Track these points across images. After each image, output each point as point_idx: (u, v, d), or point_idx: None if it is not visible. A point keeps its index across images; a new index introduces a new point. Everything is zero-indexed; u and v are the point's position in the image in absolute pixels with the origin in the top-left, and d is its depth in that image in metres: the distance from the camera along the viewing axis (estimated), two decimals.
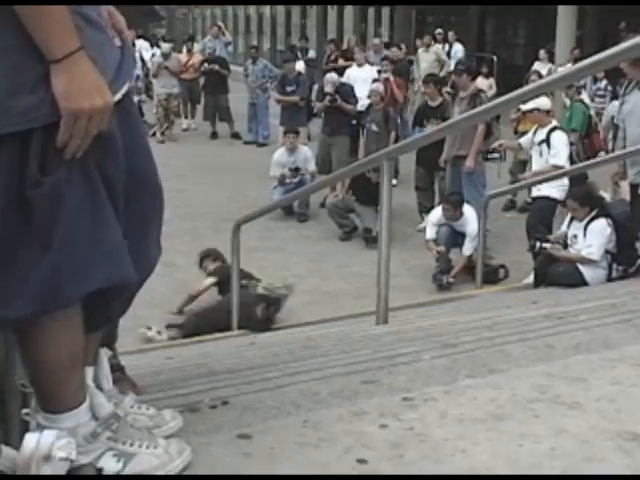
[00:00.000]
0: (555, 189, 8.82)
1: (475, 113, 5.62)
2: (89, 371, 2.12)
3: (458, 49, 19.85)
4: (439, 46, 18.59)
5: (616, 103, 11.83)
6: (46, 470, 1.63)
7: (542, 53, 16.28)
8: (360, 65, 14.94)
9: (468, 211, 9.30)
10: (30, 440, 1.66)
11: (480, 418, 2.40)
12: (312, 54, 22.48)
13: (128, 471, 2.02)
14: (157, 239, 2.21)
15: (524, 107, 9.42)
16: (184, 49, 19.35)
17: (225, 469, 2.12)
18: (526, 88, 4.25)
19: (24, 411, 1.99)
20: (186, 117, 19.43)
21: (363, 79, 13.84)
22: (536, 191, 9.12)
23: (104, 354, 2.19)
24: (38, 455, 1.64)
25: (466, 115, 6.47)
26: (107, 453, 2.01)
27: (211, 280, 8.59)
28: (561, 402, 2.50)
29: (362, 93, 13.05)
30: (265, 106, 17.29)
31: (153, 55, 20.28)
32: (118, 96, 1.91)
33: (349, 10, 30.31)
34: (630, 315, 3.47)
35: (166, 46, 18.69)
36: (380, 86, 12.42)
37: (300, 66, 17.07)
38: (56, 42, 1.75)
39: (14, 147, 1.77)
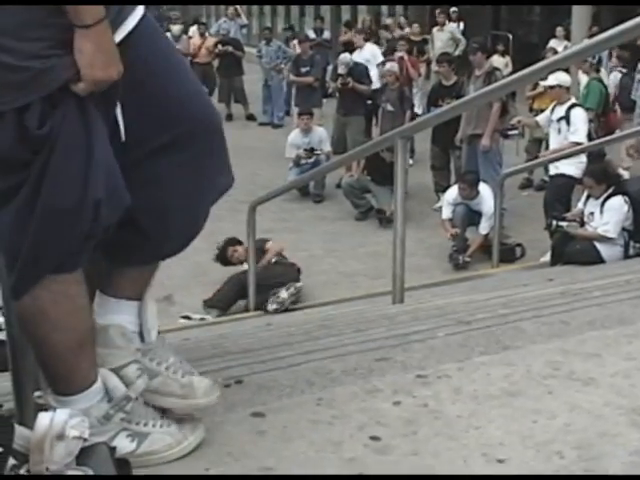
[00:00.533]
0: (573, 166, 8.79)
1: (489, 90, 5.57)
2: (133, 309, 2.11)
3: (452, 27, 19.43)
4: (454, 25, 18.47)
5: (617, 75, 11.78)
6: (59, 448, 1.63)
7: (559, 30, 16.17)
8: (361, 48, 14.70)
9: (484, 190, 9.28)
10: (43, 419, 1.66)
11: (494, 394, 2.40)
12: (327, 35, 22.37)
13: (142, 450, 2.03)
14: (222, 168, 2.15)
15: (546, 83, 9.37)
16: (196, 33, 19.27)
17: (239, 447, 2.12)
18: (541, 64, 4.19)
19: (36, 394, 2.00)
20: None
21: (365, 60, 13.72)
22: (554, 169, 9.09)
23: (151, 302, 2.14)
24: (52, 434, 1.64)
25: (480, 92, 6.43)
26: (121, 433, 2.02)
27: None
28: (575, 378, 2.49)
29: None
30: (279, 87, 17.23)
31: None
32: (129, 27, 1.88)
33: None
34: None
35: (176, 28, 18.66)
36: (395, 65, 12.38)
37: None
38: (87, 8, 1.73)
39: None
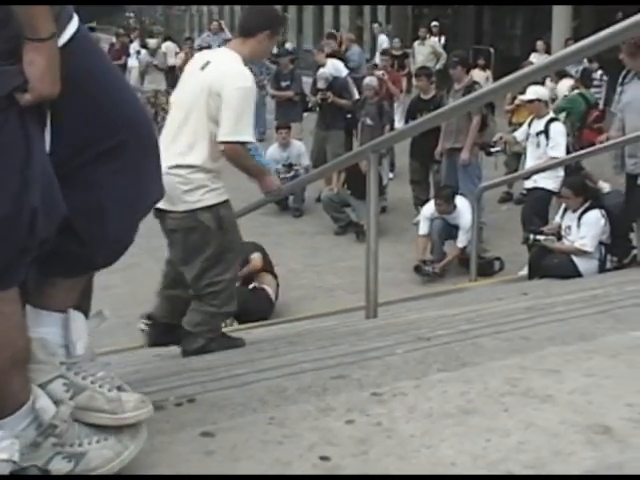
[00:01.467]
0: (551, 180, 8.79)
1: (464, 102, 5.58)
2: (59, 319, 2.05)
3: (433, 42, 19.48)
4: (435, 39, 18.53)
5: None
6: None
7: (539, 44, 16.24)
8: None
9: (461, 203, 9.29)
10: None
11: (449, 413, 2.35)
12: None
13: (80, 468, 1.97)
14: (155, 178, 2.16)
15: (525, 97, 9.37)
16: (171, 48, 19.28)
17: (186, 468, 2.08)
18: (515, 75, 4.15)
19: None
20: None
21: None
22: (531, 182, 9.08)
23: (78, 314, 2.09)
24: None
25: (454, 104, 6.42)
26: (56, 457, 1.94)
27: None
28: (533, 395, 2.45)
29: None
30: (262, 103, 17.02)
31: (138, 52, 20.09)
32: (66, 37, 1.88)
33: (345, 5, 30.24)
34: (609, 305, 3.43)
35: (153, 42, 18.65)
36: (374, 80, 12.38)
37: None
38: (44, 22, 1.73)
39: None
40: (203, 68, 4.67)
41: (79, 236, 2.01)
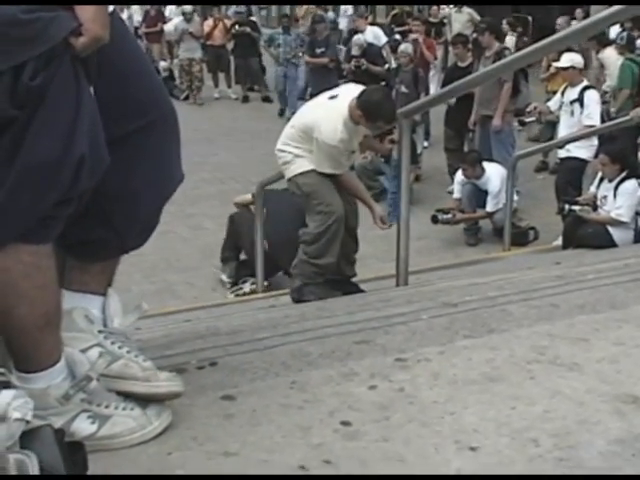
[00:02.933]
0: (584, 149, 8.68)
1: (496, 67, 5.47)
2: (98, 301, 2.12)
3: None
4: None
5: None
6: (1, 430, 1.58)
7: (578, 12, 15.98)
8: (362, 31, 14.10)
9: (490, 169, 9.22)
10: None
11: (474, 379, 2.32)
12: (331, 15, 22.17)
13: (103, 433, 1.98)
14: (177, 161, 2.19)
15: (559, 64, 9.22)
16: (211, 15, 19.12)
17: (204, 431, 2.06)
18: (550, 38, 4.05)
19: None
20: (216, 85, 19.09)
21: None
22: (565, 152, 8.96)
23: (114, 295, 2.15)
24: None
25: (486, 70, 6.33)
26: (81, 415, 1.97)
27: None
28: (560, 363, 2.41)
29: None
30: (295, 78, 16.09)
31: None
32: None
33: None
34: None
35: (187, 8, 18.39)
36: (409, 47, 12.24)
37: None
38: None
39: None
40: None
41: (109, 220, 2.06)
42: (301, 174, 5.65)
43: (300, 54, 15.89)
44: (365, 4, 26.02)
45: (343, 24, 21.44)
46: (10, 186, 1.74)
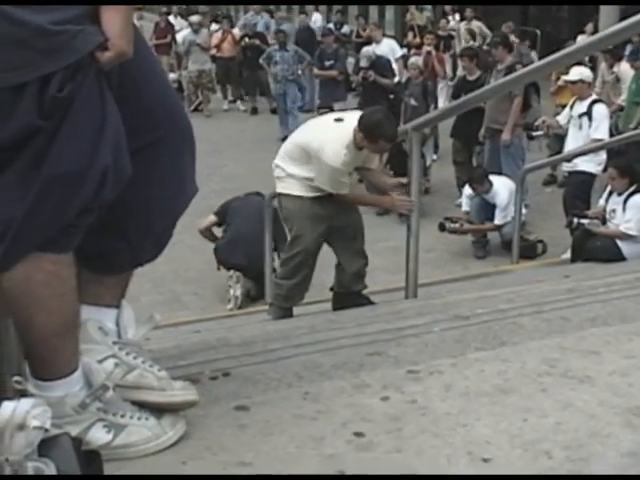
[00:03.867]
0: (592, 163, 8.67)
1: (507, 81, 5.48)
2: (112, 314, 2.13)
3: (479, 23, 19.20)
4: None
5: None
6: (19, 438, 1.59)
7: (589, 27, 16.02)
8: (378, 42, 14.31)
9: (497, 182, 9.23)
10: (6, 408, 1.62)
11: (486, 391, 2.33)
12: (346, 29, 22.22)
13: (118, 442, 1.99)
14: (191, 175, 2.20)
15: (569, 77, 9.23)
16: (219, 27, 19.10)
17: (218, 441, 2.07)
18: (560, 52, 4.05)
19: (15, 379, 1.96)
20: (225, 97, 19.09)
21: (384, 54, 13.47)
22: (571, 166, 8.96)
23: (127, 307, 2.17)
24: (13, 423, 1.60)
25: (497, 83, 6.34)
26: (97, 424, 1.99)
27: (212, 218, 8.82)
28: (571, 376, 2.42)
29: None
30: (294, 98, 15.43)
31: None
32: None
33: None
34: None
35: (195, 19, 18.22)
36: (419, 59, 12.28)
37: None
38: None
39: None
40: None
41: (124, 233, 2.07)
42: (286, 196, 5.75)
43: (300, 71, 15.66)
44: (367, 4, 26.09)
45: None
46: (35, 195, 1.77)
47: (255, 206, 8.33)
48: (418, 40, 16.76)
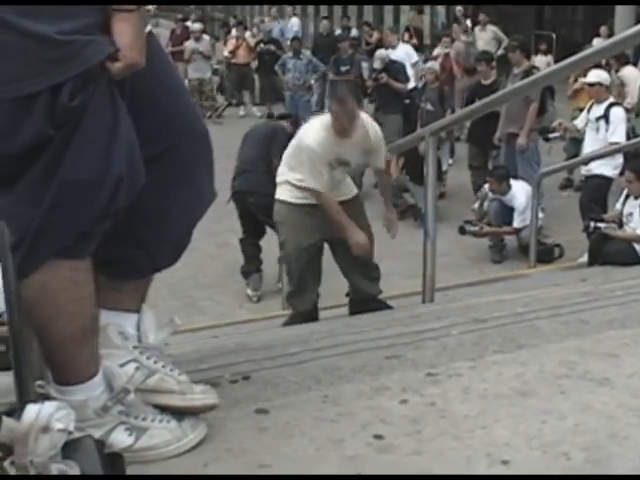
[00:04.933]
0: (609, 166, 8.66)
1: (523, 85, 5.50)
2: (132, 319, 2.14)
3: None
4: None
5: None
6: (44, 441, 1.61)
7: (603, 30, 15.97)
8: (394, 47, 14.33)
9: (516, 185, 9.22)
10: (31, 411, 1.64)
11: (504, 394, 2.34)
12: (355, 33, 22.22)
13: (140, 445, 2.01)
14: (209, 181, 2.21)
15: (586, 79, 9.22)
16: (233, 33, 19.12)
17: (239, 443, 2.09)
18: (576, 56, 4.06)
19: (37, 383, 1.98)
20: (238, 104, 19.07)
21: (399, 59, 13.48)
22: (588, 170, 8.95)
23: (148, 312, 2.18)
24: (37, 426, 1.62)
25: (513, 87, 6.34)
26: (119, 427, 2.00)
27: None
28: (590, 378, 2.43)
29: None
30: (307, 109, 14.77)
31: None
32: None
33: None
34: None
35: (196, 27, 18.24)
36: (435, 64, 12.29)
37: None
38: None
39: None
40: None
41: (141, 240, 2.09)
42: (280, 201, 5.81)
43: (312, 81, 15.50)
44: (369, 4, 26.06)
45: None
46: (50, 204, 1.80)
47: (262, 132, 8.90)
48: (415, 41, 16.78)
